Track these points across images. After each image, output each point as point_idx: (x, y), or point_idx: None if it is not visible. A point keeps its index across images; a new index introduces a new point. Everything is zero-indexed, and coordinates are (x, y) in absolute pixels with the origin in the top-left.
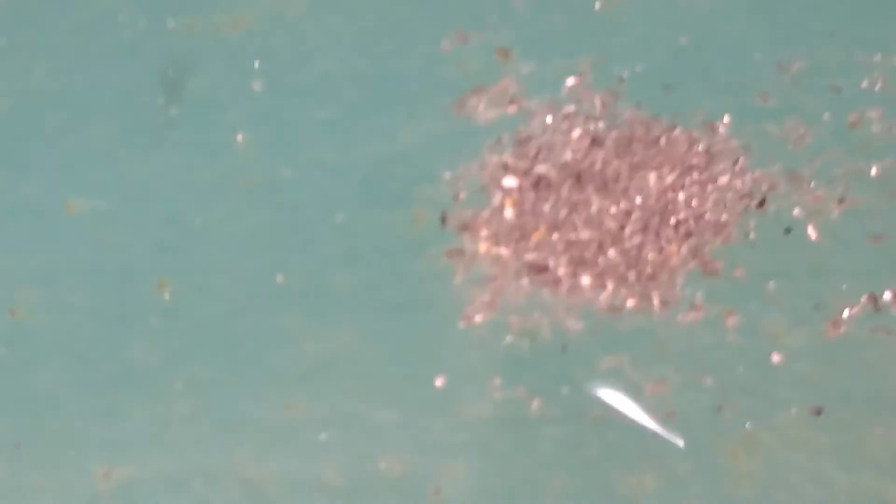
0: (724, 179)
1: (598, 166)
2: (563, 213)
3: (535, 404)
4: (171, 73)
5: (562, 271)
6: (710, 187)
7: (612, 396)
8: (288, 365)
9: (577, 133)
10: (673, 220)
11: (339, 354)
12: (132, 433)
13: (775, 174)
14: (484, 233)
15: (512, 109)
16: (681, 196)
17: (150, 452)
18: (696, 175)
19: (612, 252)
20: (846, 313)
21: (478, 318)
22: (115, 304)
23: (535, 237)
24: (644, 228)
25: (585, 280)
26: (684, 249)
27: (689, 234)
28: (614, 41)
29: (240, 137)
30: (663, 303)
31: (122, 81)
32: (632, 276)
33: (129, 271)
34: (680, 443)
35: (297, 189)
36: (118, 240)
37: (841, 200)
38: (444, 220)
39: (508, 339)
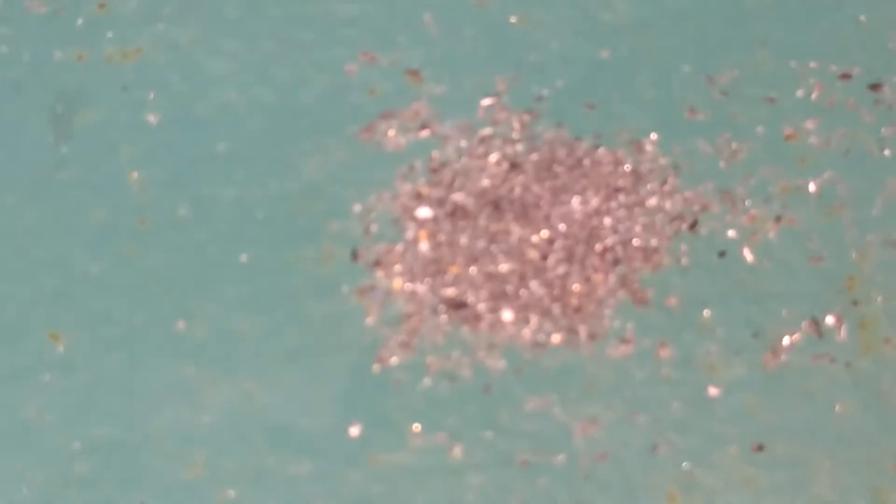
0: (652, 201)
1: (517, 192)
2: (481, 244)
3: (458, 451)
4: (59, 108)
5: (482, 307)
6: (638, 210)
7: None
8: (191, 418)
9: (494, 157)
10: (599, 248)
11: (245, 405)
12: (27, 497)
13: (707, 194)
14: (398, 268)
15: (424, 134)
16: (607, 221)
17: None
18: (622, 198)
19: (534, 284)
20: (786, 341)
21: (393, 361)
22: (5, 360)
23: (453, 271)
24: (568, 257)
25: (507, 315)
26: (612, 278)
27: (616, 262)
28: (532, 57)
29: (134, 175)
30: (591, 336)
31: (8, 119)
32: (556, 309)
33: (20, 324)
34: None
35: (196, 228)
36: (6, 290)
37: (778, 219)
38: (355, 256)
39: (427, 381)
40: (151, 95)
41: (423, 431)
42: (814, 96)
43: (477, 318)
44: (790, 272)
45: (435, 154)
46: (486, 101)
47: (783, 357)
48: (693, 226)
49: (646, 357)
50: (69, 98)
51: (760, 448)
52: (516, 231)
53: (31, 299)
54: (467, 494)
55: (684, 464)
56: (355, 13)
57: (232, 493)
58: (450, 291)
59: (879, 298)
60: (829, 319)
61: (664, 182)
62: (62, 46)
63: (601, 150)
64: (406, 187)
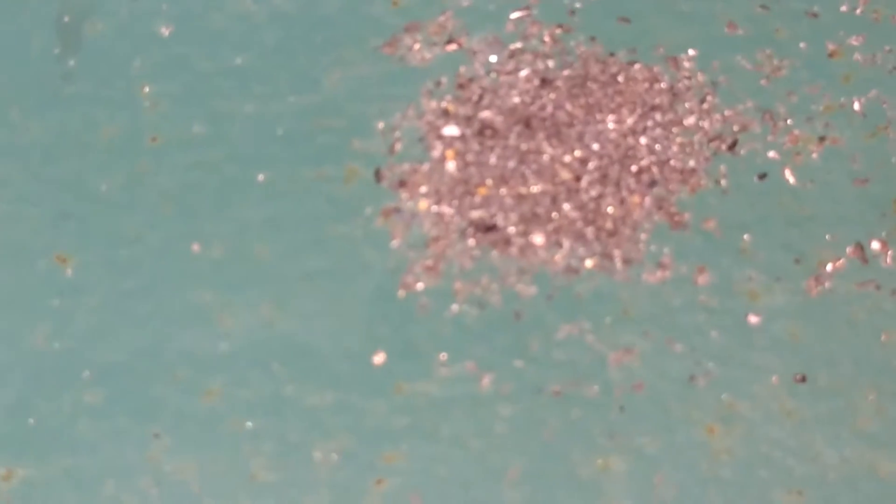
0: (690, 120)
1: (549, 110)
2: (511, 164)
3: (487, 380)
4: (66, 19)
5: (512, 230)
6: (675, 130)
7: None
8: (207, 345)
9: (524, 73)
10: (634, 169)
11: (264, 331)
12: (35, 428)
13: (747, 112)
14: (424, 189)
15: (451, 48)
16: (643, 140)
17: (56, 449)
18: (659, 116)
19: (567, 206)
20: (830, 267)
21: (419, 286)
22: (12, 284)
23: (481, 192)
24: (602, 178)
25: (538, 239)
26: (648, 201)
27: (652, 184)
28: None
29: (146, 89)
30: (626, 261)
31: (12, 30)
32: (590, 232)
33: (26, 246)
34: None
35: (212, 146)
36: (12, 210)
37: (821, 140)
38: (378, 175)
39: (454, 308)
40: (164, 5)
41: (451, 360)
42: (858, 11)
43: (507, 241)
44: (834, 195)
45: (462, 69)
46: (516, 14)
47: (827, 284)
48: (732, 146)
49: (683, 283)
50: (77, 8)
51: (803, 379)
52: (548, 151)
53: (37, 220)
54: (497, 426)
55: (723, 395)
56: None
57: (250, 423)
58: (478, 214)
59: None
60: (875, 244)
61: (702, 100)
62: None
63: (637, 67)
64: (432, 104)
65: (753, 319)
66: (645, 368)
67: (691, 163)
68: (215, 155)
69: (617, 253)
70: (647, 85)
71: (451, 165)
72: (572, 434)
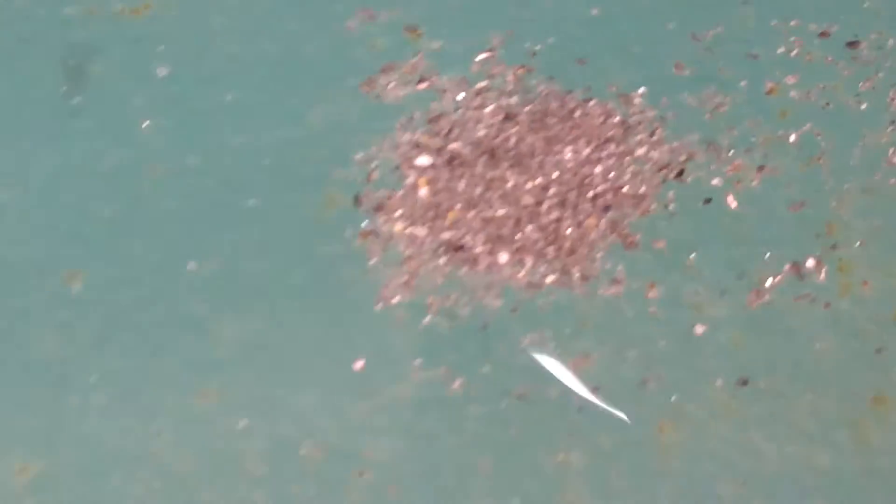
0: (641, 151)
1: (512, 142)
2: (478, 190)
3: (457, 384)
4: (71, 61)
5: (479, 249)
6: (627, 159)
7: (551, 364)
8: (202, 352)
9: (489, 109)
10: (590, 194)
11: (254, 340)
12: (47, 427)
13: (693, 144)
14: (399, 213)
15: (423, 87)
16: (598, 169)
17: (67, 446)
18: (612, 147)
19: (529, 228)
20: (769, 282)
21: (395, 300)
22: (25, 297)
23: (451, 216)
24: (561, 203)
25: (503, 257)
26: (603, 223)
27: (607, 208)
28: (525, 14)
29: (145, 124)
30: (583, 277)
31: (22, 71)
32: (550, 251)
33: (38, 263)
34: (622, 416)
35: (205, 175)
36: (25, 231)
37: (760, 168)
38: (357, 201)
39: (427, 319)
40: (161, 48)
41: (424, 366)
42: (794, 53)
43: (474, 260)
44: (772, 218)
45: (433, 106)
46: (482, 56)
47: (766, 297)
48: (680, 174)
49: (635, 297)
50: (81, 51)
51: (745, 382)
52: (511, 178)
53: (47, 240)
54: (467, 425)
55: (672, 397)
56: None
57: (243, 423)
58: (448, 235)
59: (857, 242)
60: (810, 262)
61: (652, 133)
62: (74, 2)
63: (592, 103)
64: (406, 137)
65: (699, 329)
66: (601, 373)
67: (642, 189)
68: (208, 183)
69: (575, 270)
70: (601, 119)
71: (423, 192)
72: (535, 432)
